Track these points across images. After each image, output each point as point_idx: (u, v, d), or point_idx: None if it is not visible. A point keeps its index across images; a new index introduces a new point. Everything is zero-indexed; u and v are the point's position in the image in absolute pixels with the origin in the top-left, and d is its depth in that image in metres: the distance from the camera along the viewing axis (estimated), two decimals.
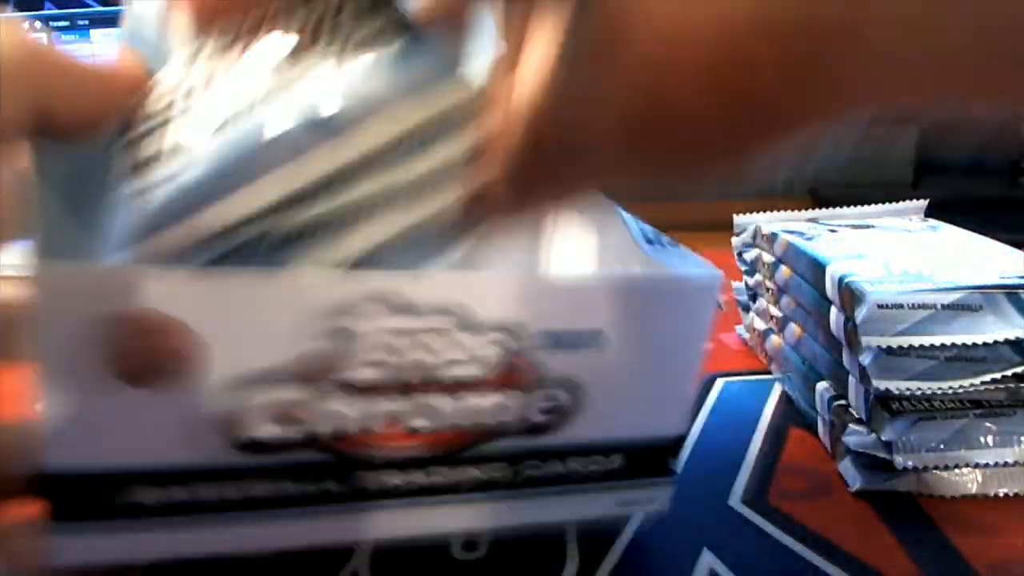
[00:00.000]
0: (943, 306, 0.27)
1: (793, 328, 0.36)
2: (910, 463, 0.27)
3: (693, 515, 0.28)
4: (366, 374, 0.19)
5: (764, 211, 0.40)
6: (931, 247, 0.33)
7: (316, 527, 0.21)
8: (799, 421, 0.34)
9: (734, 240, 0.41)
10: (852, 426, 0.29)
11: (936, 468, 0.27)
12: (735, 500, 0.28)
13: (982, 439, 0.27)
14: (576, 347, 0.21)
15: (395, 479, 0.21)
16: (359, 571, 0.25)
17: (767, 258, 0.37)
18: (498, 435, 0.21)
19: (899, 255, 0.31)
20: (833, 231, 0.36)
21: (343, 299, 0.18)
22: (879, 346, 0.27)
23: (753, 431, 0.33)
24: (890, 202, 0.40)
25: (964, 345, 0.27)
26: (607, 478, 0.23)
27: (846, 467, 0.29)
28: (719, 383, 0.38)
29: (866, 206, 0.40)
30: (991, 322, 0.27)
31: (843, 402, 0.30)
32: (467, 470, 0.21)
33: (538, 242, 0.24)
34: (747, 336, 0.42)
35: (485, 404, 0.21)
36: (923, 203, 0.40)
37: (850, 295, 0.28)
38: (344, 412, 0.19)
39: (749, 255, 0.40)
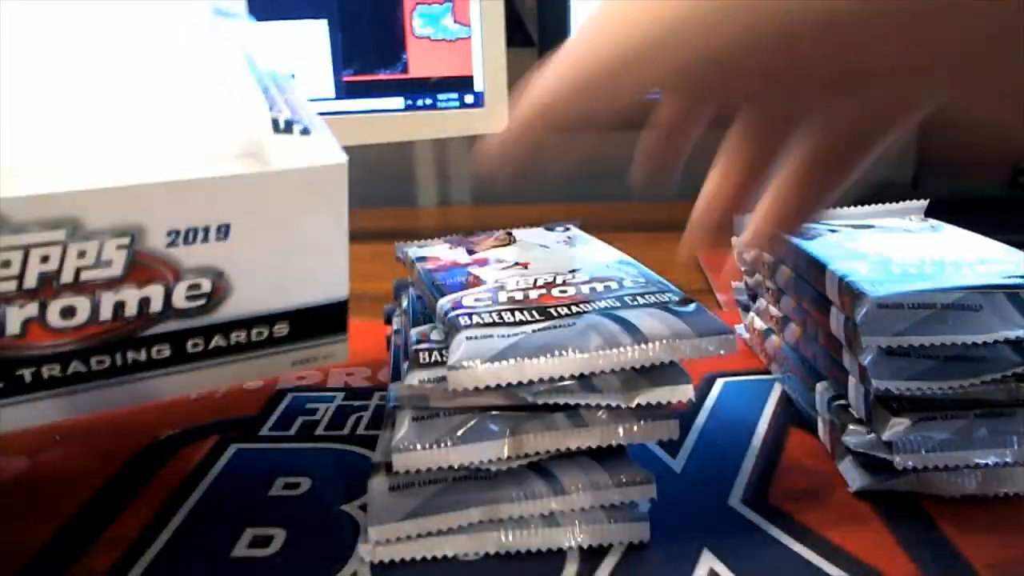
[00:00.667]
0: (943, 306, 0.27)
1: (793, 328, 0.35)
2: (910, 463, 0.27)
3: (693, 515, 0.28)
4: None
5: None
6: (931, 247, 0.33)
7: None
8: (799, 421, 0.34)
9: (734, 240, 0.41)
10: (852, 426, 0.29)
11: (936, 468, 0.27)
12: (735, 500, 0.28)
13: (982, 439, 0.27)
14: (206, 240, 0.22)
15: (54, 370, 0.22)
16: (359, 571, 0.25)
17: (767, 258, 0.37)
18: (151, 323, 0.23)
19: (899, 255, 0.31)
20: (833, 231, 0.36)
21: None
22: (879, 346, 0.27)
23: (753, 431, 0.33)
24: (890, 202, 0.40)
25: (964, 345, 0.27)
26: (277, 343, 0.25)
27: (846, 467, 0.29)
28: (719, 383, 0.38)
29: (866, 206, 0.40)
30: (991, 322, 0.27)
31: (843, 402, 0.30)
32: (131, 354, 0.23)
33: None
34: (747, 336, 0.42)
35: (127, 299, 0.22)
36: (923, 203, 0.40)
37: (850, 295, 0.28)
38: None
39: (749, 255, 0.40)
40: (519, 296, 0.28)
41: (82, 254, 0.21)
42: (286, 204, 0.23)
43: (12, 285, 0.21)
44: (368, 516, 0.25)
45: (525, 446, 0.25)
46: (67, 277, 0.21)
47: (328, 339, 0.26)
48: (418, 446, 0.24)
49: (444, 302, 0.28)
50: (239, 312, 0.24)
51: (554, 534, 0.25)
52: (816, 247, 0.33)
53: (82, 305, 0.22)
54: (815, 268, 0.31)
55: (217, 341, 0.24)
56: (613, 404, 0.25)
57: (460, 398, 0.25)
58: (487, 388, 0.24)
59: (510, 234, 0.37)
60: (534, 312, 0.26)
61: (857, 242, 0.34)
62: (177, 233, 0.22)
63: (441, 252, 0.35)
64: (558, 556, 0.25)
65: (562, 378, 0.25)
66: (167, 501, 0.29)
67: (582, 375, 0.25)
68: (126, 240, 0.22)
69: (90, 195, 0.21)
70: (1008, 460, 0.27)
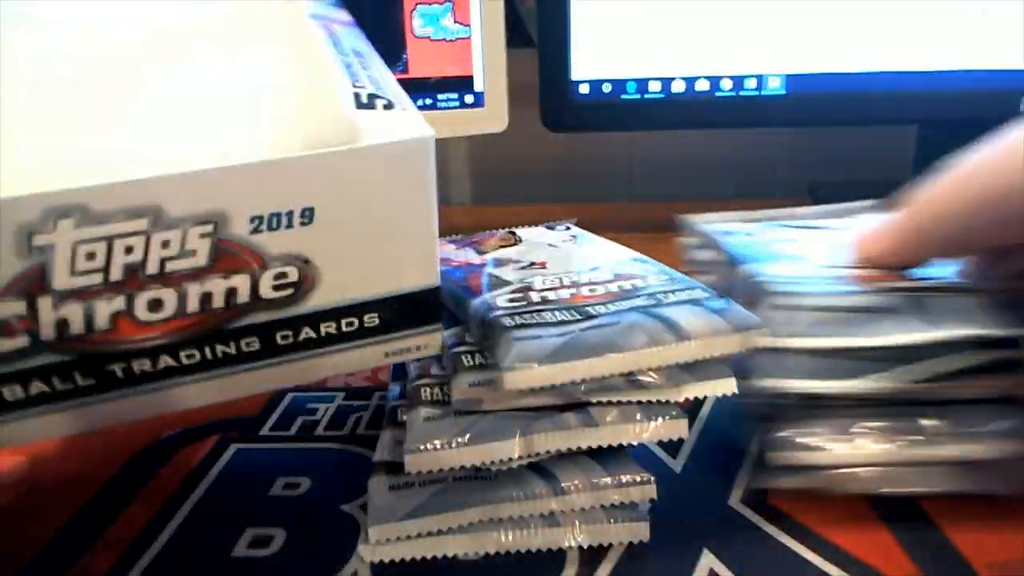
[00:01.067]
0: (842, 308, 0.27)
1: None
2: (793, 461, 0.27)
3: (693, 515, 0.28)
4: (74, 282, 0.20)
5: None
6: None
7: (83, 415, 0.22)
8: None
9: (685, 240, 0.40)
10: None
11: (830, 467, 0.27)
12: (735, 500, 0.29)
13: (865, 434, 0.27)
14: (291, 226, 0.22)
15: (144, 365, 0.22)
16: (359, 571, 0.25)
17: (720, 258, 0.37)
18: (239, 315, 0.22)
19: (821, 256, 0.31)
20: (784, 227, 0.36)
21: (27, 219, 0.19)
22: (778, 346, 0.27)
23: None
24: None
25: (862, 348, 0.27)
26: (368, 334, 0.24)
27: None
28: None
29: (820, 206, 0.39)
30: (891, 324, 0.27)
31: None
32: (218, 348, 0.22)
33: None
34: None
35: (213, 290, 0.22)
36: (871, 203, 0.39)
37: (757, 294, 0.29)
38: (66, 317, 0.21)
39: (702, 255, 0.39)
40: (551, 296, 0.28)
41: (166, 244, 0.21)
42: (372, 183, 0.22)
43: (99, 278, 0.20)
44: (368, 516, 0.25)
45: (536, 445, 0.25)
46: (152, 268, 0.21)
47: (421, 329, 0.25)
48: (430, 447, 0.24)
49: (478, 303, 0.28)
50: (329, 302, 0.23)
51: (554, 534, 0.25)
52: (742, 244, 0.33)
53: (169, 297, 0.21)
54: (733, 267, 0.32)
55: (307, 333, 0.23)
56: (663, 400, 0.25)
57: (513, 399, 0.25)
58: (541, 389, 0.24)
59: (513, 233, 0.37)
60: (574, 311, 0.26)
61: (785, 244, 0.33)
62: (260, 219, 0.21)
63: (449, 252, 0.35)
64: (558, 556, 0.25)
65: (612, 376, 0.25)
66: (167, 501, 0.29)
67: (630, 372, 0.25)
68: (209, 228, 0.21)
69: (171, 181, 0.20)
70: (893, 460, 0.27)
